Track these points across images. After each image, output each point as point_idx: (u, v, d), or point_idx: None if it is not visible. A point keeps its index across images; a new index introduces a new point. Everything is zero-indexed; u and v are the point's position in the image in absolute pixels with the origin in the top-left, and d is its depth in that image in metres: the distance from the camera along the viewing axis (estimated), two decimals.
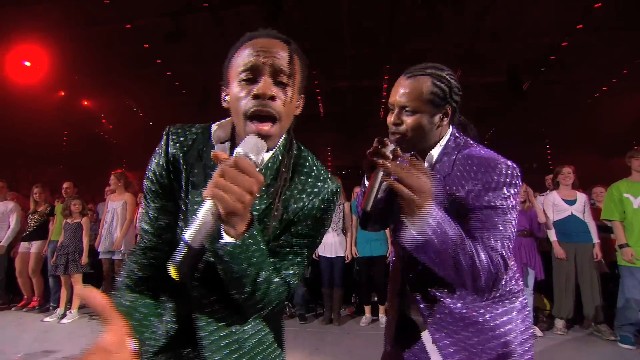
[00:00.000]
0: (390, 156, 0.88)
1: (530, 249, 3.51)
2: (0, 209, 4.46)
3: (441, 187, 0.92)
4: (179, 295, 0.77)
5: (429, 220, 0.77)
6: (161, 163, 0.78)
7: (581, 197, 3.59)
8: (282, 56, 0.72)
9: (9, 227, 4.44)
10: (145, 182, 0.80)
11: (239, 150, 0.61)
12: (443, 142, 0.98)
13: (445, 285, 0.93)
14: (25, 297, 4.50)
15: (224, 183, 0.57)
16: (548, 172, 4.52)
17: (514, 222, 0.87)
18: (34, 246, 4.47)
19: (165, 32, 6.27)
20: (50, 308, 4.26)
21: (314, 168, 0.81)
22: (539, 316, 3.72)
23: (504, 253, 0.82)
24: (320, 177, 0.79)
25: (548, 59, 7.44)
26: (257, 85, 0.69)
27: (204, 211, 0.57)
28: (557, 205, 3.60)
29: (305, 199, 0.76)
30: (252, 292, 0.68)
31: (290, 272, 0.75)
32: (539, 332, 3.39)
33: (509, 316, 0.92)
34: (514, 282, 0.97)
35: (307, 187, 0.77)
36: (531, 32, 6.73)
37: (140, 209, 4.26)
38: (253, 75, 0.70)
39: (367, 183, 0.97)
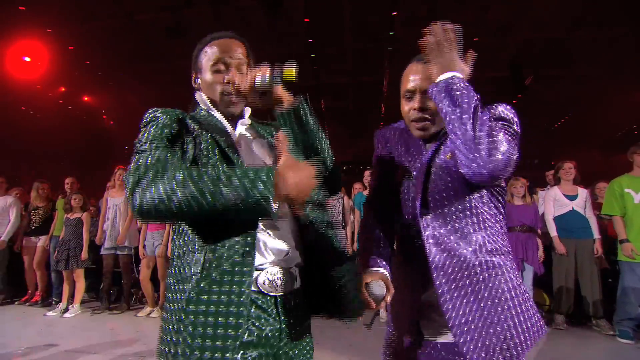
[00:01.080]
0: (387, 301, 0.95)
1: (529, 244, 3.51)
2: (1, 204, 4.48)
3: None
4: None
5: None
6: (169, 120, 0.90)
7: (582, 192, 3.59)
8: (242, 54, 0.98)
9: (9, 222, 4.46)
10: (153, 131, 0.87)
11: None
12: None
13: (459, 235, 0.95)
14: (29, 291, 4.54)
15: None
16: (550, 168, 4.51)
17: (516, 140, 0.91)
18: (41, 240, 4.50)
19: (165, 27, 6.24)
20: (53, 302, 4.29)
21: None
22: (538, 311, 3.74)
23: (514, 143, 0.86)
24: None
25: (551, 53, 7.38)
26: (227, 76, 0.94)
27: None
28: (558, 200, 3.60)
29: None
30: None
31: None
32: None
33: (505, 268, 0.94)
34: (505, 242, 0.99)
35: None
36: (534, 27, 6.68)
37: None
38: (224, 66, 0.95)
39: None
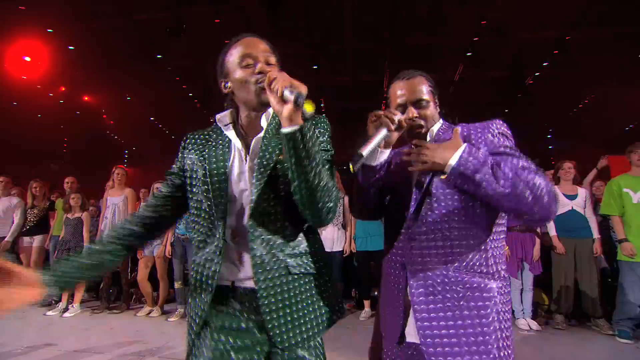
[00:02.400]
0: (397, 122, 1.00)
1: (528, 244, 3.51)
2: (5, 204, 4.48)
3: None
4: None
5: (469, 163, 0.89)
6: (177, 165, 1.05)
7: (582, 192, 3.58)
8: (266, 48, 1.00)
9: (12, 223, 4.47)
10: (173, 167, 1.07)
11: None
12: (438, 122, 1.13)
13: (445, 250, 0.98)
14: None
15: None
16: (550, 168, 4.50)
17: (524, 158, 0.95)
18: (36, 240, 4.50)
19: (165, 26, 6.24)
20: (53, 302, 4.30)
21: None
22: (538, 311, 3.74)
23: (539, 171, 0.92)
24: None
25: (551, 53, 7.36)
26: (257, 66, 0.95)
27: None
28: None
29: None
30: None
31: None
32: (537, 327, 3.40)
33: (493, 292, 0.95)
34: (502, 267, 1.01)
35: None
36: (534, 27, 6.67)
37: (142, 203, 4.28)
38: (252, 62, 0.95)
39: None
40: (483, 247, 0.97)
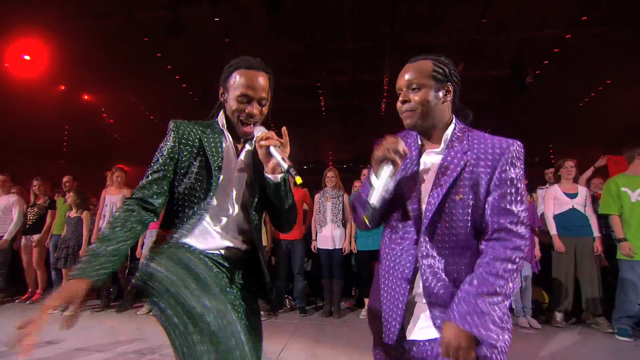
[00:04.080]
0: (402, 154, 0.98)
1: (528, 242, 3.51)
2: (3, 202, 4.49)
3: (463, 163, 0.99)
4: None
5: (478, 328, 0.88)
6: (169, 145, 1.12)
7: (582, 190, 3.59)
8: (264, 87, 1.16)
9: (12, 221, 4.47)
10: (157, 155, 1.13)
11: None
12: (452, 124, 1.07)
13: (457, 271, 1.00)
14: (29, 289, 4.55)
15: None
16: (550, 166, 4.50)
17: (525, 190, 0.99)
18: (36, 239, 4.50)
19: (165, 26, 6.23)
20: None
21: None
22: (537, 309, 3.75)
23: (527, 228, 0.98)
24: None
25: (552, 51, 7.36)
26: (249, 107, 1.14)
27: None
28: (558, 198, 3.59)
29: None
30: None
31: None
32: (537, 325, 3.41)
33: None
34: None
35: None
36: (535, 25, 6.66)
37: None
38: (247, 100, 1.13)
39: (372, 178, 1.02)
40: None
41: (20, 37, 6.58)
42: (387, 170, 0.96)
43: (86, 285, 0.94)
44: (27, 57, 6.78)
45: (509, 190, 0.95)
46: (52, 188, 5.27)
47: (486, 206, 0.97)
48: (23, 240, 4.55)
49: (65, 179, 4.69)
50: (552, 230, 3.56)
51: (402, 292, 1.01)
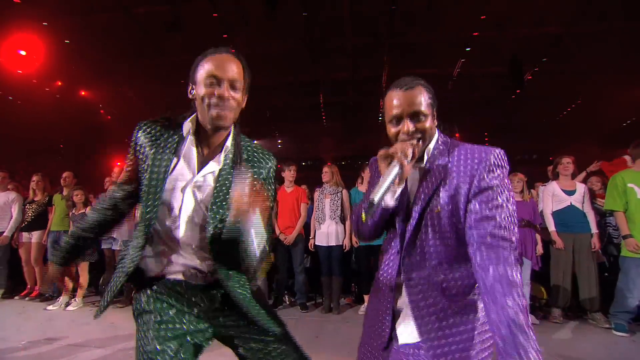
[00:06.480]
0: (410, 157, 0.98)
1: (528, 239, 3.53)
2: (2, 199, 4.47)
3: (442, 176, 1.01)
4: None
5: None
6: (130, 151, 1.09)
7: (580, 187, 3.60)
8: (236, 70, 1.04)
9: (11, 218, 4.46)
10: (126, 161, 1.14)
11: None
12: (434, 138, 1.09)
13: (438, 278, 1.01)
14: (28, 286, 4.55)
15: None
16: (548, 163, 4.51)
17: (512, 198, 0.97)
18: (34, 236, 4.49)
19: (163, 21, 6.19)
20: (53, 297, 4.31)
21: (256, 150, 1.15)
22: (535, 305, 3.78)
23: (513, 232, 0.93)
24: (262, 156, 1.15)
25: (550, 48, 7.36)
26: (219, 89, 1.01)
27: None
28: (556, 195, 3.61)
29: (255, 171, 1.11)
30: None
31: None
32: (535, 320, 3.44)
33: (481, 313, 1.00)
34: None
35: (255, 164, 1.12)
36: (533, 22, 6.65)
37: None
38: (216, 81, 1.01)
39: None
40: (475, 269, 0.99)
41: (16, 31, 6.51)
42: (394, 171, 0.96)
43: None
44: (23, 53, 6.71)
45: (488, 197, 0.95)
46: (52, 184, 5.24)
47: (467, 215, 0.97)
48: (22, 238, 4.54)
49: (65, 174, 4.67)
50: (551, 227, 3.58)
51: (389, 299, 1.06)
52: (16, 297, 4.46)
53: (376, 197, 0.94)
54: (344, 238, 3.92)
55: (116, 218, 1.20)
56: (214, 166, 1.06)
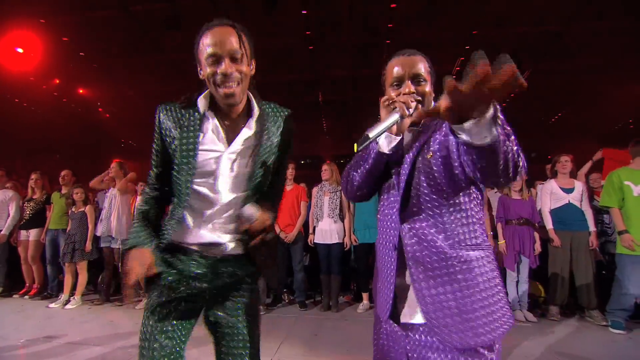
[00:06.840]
0: (413, 108, 0.98)
1: (526, 237, 3.55)
2: (0, 197, 4.47)
3: (435, 126, 1.03)
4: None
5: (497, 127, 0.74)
6: (155, 135, 1.10)
7: (578, 185, 3.62)
8: (232, 40, 1.01)
9: (8, 216, 4.45)
10: (153, 146, 1.13)
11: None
12: (431, 107, 1.08)
13: (438, 229, 0.99)
14: (27, 284, 4.55)
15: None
16: (547, 162, 4.52)
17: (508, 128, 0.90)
18: (32, 234, 4.49)
19: (163, 18, 6.16)
20: (52, 295, 4.31)
21: (277, 110, 1.18)
22: (533, 303, 3.79)
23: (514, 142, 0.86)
24: (279, 113, 1.17)
25: (549, 46, 7.36)
26: (221, 66, 1.01)
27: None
28: (554, 193, 3.62)
29: (277, 133, 1.15)
30: None
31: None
32: (532, 318, 3.46)
33: (484, 261, 0.98)
34: (485, 235, 1.03)
35: (277, 125, 1.16)
36: (532, 20, 6.65)
37: (138, 197, 4.28)
38: (216, 59, 1.01)
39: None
40: (470, 220, 0.99)
41: (14, 29, 6.47)
42: (393, 117, 0.94)
43: (148, 251, 1.05)
44: (20, 50, 6.67)
45: None
46: (51, 183, 5.23)
47: (460, 150, 0.89)
48: (20, 235, 4.53)
49: (63, 172, 4.66)
50: (549, 224, 3.59)
51: (391, 260, 1.04)
52: (15, 295, 4.46)
53: (371, 134, 0.90)
54: (344, 236, 3.92)
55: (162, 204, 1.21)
56: (247, 132, 1.10)
